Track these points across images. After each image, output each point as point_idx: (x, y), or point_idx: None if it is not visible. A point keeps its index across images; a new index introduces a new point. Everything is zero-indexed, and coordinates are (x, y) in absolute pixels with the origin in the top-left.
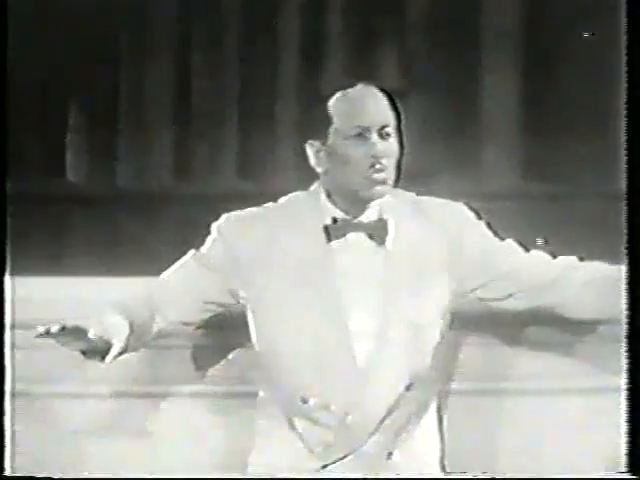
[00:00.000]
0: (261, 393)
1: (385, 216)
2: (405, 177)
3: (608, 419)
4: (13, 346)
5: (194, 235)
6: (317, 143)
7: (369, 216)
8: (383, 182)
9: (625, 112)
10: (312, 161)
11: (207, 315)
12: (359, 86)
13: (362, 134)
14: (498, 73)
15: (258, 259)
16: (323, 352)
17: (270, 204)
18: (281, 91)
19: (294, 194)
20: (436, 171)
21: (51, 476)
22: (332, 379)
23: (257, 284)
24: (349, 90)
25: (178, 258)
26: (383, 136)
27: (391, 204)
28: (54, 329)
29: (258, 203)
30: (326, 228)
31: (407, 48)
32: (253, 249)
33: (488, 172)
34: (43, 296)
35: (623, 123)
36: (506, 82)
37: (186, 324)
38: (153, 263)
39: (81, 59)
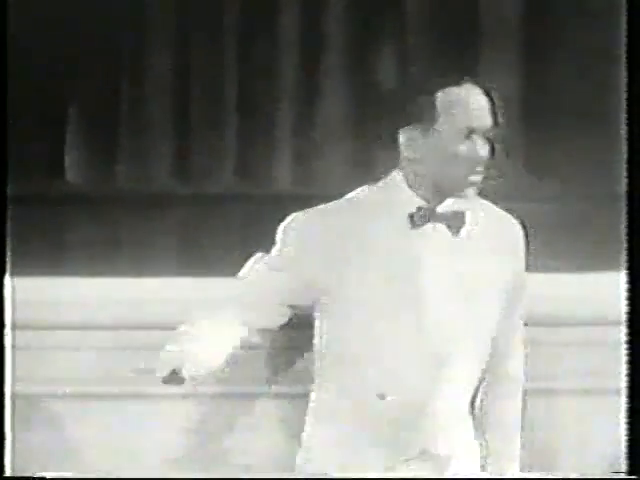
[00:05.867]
0: (314, 395)
1: (462, 208)
2: None
3: (608, 420)
4: (13, 347)
5: (194, 235)
6: (416, 132)
7: (447, 206)
8: (477, 185)
9: (625, 112)
10: (403, 147)
11: (284, 320)
12: (467, 85)
13: (471, 135)
14: (497, 74)
15: (332, 254)
16: (403, 347)
17: (337, 201)
18: (281, 91)
19: (362, 188)
20: None
21: (51, 476)
22: (410, 374)
23: (332, 280)
24: (457, 87)
25: (178, 258)
26: (486, 139)
27: (466, 199)
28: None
29: (258, 203)
30: (411, 216)
31: (406, 48)
32: (323, 245)
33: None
34: (43, 297)
35: (623, 123)
36: (505, 83)
37: (266, 330)
38: (153, 263)
39: (81, 59)
